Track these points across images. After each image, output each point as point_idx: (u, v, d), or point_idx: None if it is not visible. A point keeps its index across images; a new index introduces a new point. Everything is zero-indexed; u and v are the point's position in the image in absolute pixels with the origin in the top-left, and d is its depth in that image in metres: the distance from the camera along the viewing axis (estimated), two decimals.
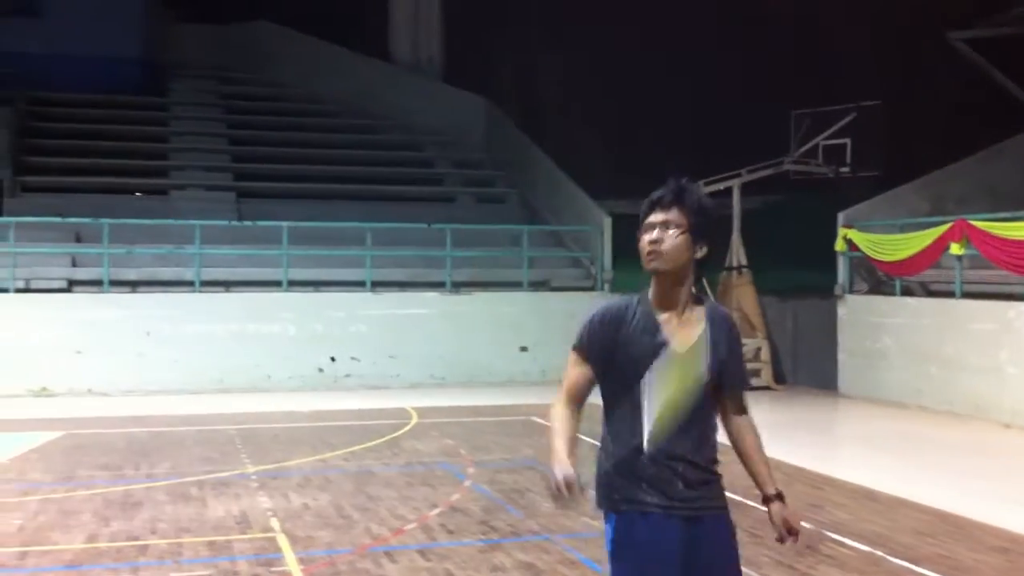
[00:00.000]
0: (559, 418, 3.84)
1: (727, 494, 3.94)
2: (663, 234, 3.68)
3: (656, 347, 3.71)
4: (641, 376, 3.71)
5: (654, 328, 3.73)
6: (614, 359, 3.76)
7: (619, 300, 3.89)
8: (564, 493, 3.59)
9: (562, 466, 3.62)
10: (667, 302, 3.76)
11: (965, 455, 12.17)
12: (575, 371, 3.88)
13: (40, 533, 8.20)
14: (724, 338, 3.78)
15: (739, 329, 3.99)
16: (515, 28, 28.62)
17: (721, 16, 26.64)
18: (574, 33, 28.67)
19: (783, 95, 21.15)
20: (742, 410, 3.94)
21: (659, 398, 3.69)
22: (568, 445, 3.75)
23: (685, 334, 3.74)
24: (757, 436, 3.94)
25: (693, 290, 3.78)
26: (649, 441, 3.72)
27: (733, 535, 3.88)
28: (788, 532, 3.88)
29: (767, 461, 3.90)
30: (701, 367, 3.73)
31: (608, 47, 28.24)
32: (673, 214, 3.68)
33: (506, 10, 28.73)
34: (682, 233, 3.67)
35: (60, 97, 24.38)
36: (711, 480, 3.81)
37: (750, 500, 9.29)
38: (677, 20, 26.76)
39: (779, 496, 3.87)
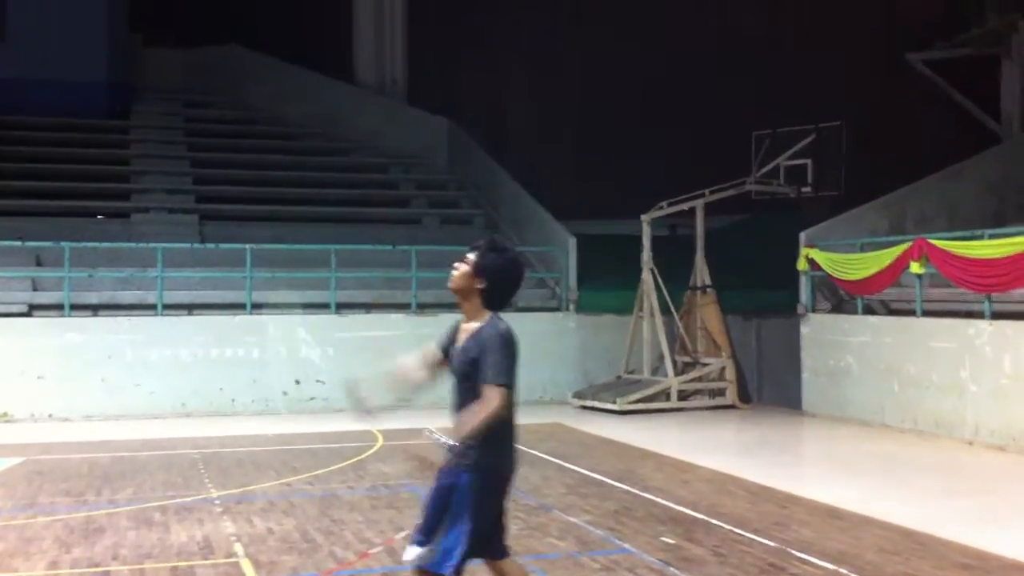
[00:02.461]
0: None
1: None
2: (458, 264, 5.34)
3: (451, 347, 5.43)
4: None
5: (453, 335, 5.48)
6: None
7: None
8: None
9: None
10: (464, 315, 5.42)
11: (929, 473, 12.26)
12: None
13: (1, 560, 8.08)
14: (477, 343, 5.22)
15: (498, 339, 5.20)
16: (479, 50, 28.69)
17: (685, 38, 26.81)
18: (538, 55, 28.79)
19: (744, 116, 21.30)
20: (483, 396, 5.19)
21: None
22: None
23: (460, 337, 5.38)
24: (479, 415, 5.13)
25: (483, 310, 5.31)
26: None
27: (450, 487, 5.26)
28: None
29: (468, 424, 5.13)
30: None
31: (573, 69, 28.37)
32: (469, 255, 5.35)
33: (470, 32, 28.81)
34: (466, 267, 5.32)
35: (21, 120, 24.19)
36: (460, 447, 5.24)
37: (714, 519, 9.39)
38: (641, 44, 26.92)
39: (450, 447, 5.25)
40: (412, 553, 5.28)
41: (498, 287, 5.31)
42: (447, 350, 5.47)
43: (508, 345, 5.18)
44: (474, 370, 5.18)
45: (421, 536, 5.29)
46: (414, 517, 9.36)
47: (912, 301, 15.61)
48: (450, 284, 5.38)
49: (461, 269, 5.34)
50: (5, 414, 16.45)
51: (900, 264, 15.47)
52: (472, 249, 5.38)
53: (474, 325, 5.31)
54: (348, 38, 28.28)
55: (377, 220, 22.99)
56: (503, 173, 23.06)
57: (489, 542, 5.39)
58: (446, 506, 5.23)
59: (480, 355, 5.17)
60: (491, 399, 5.09)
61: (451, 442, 5.18)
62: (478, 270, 5.28)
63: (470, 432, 5.09)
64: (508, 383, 5.15)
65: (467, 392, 5.22)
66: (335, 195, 23.59)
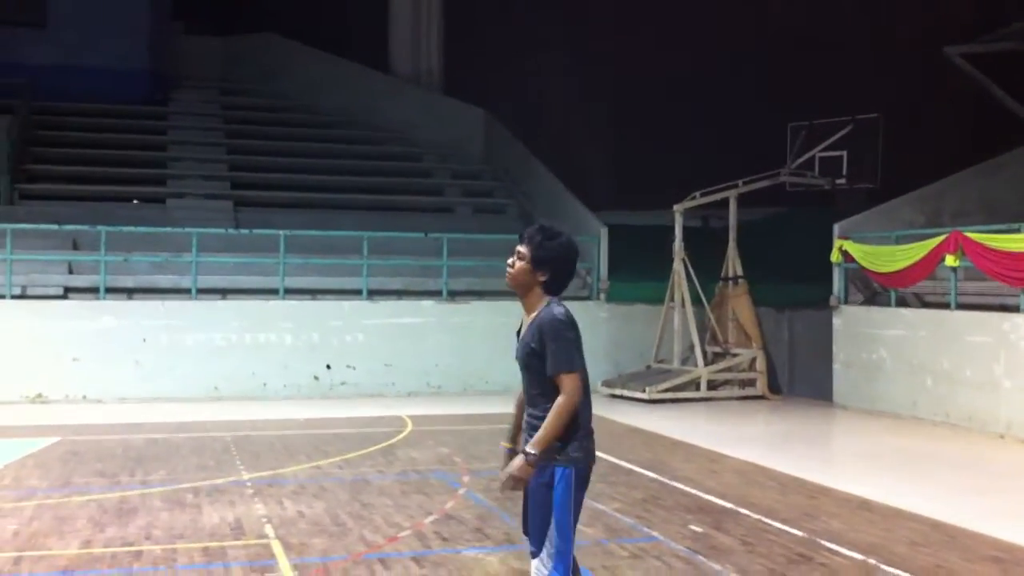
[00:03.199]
0: None
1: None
2: (512, 260, 5.15)
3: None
4: None
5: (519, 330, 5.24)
6: None
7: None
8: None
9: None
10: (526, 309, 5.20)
11: (960, 466, 12.18)
12: None
13: (35, 539, 8.20)
14: (535, 332, 5.03)
15: (556, 323, 5.00)
16: (515, 41, 28.69)
17: (720, 29, 26.71)
18: (573, 46, 28.75)
19: (780, 107, 21.20)
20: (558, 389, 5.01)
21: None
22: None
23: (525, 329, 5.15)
24: (553, 414, 4.96)
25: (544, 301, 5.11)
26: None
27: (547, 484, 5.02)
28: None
29: (547, 428, 4.94)
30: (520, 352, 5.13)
31: (607, 60, 28.32)
32: (522, 248, 5.12)
33: (506, 23, 28.81)
34: (524, 262, 5.10)
35: (60, 107, 24.41)
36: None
37: (742, 508, 9.37)
38: (677, 33, 26.84)
39: (526, 454, 4.97)
40: (539, 568, 5.04)
41: (559, 274, 5.11)
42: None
43: (569, 328, 5.00)
44: (534, 360, 5.02)
45: (535, 546, 5.07)
46: (442, 503, 9.47)
47: (946, 294, 15.50)
48: (509, 281, 5.18)
49: (518, 265, 5.11)
50: (40, 395, 16.64)
51: (935, 257, 15.36)
52: (524, 240, 5.14)
53: (534, 313, 5.13)
54: (384, 28, 28.37)
55: (410, 208, 23.06)
56: (537, 163, 23.07)
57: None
58: (548, 507, 5.01)
59: (540, 344, 5.00)
60: (565, 389, 4.93)
61: (531, 451, 4.94)
62: (538, 262, 5.07)
63: (551, 436, 4.93)
64: (575, 367, 4.96)
65: (531, 383, 5.10)
66: (368, 183, 23.68)
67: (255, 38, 28.42)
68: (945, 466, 12.22)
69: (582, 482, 5.07)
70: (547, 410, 4.96)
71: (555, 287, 5.12)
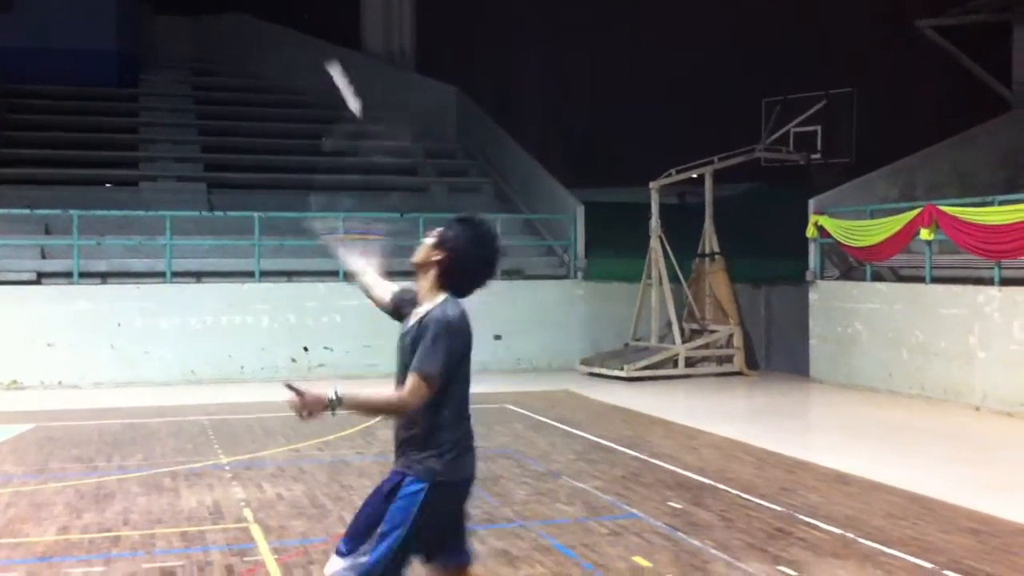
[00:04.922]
0: None
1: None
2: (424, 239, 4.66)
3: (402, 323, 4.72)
4: None
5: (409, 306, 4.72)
6: None
7: None
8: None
9: None
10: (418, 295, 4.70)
11: (936, 439, 12.26)
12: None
13: (12, 525, 8.14)
14: (417, 331, 4.49)
15: (436, 324, 4.45)
16: (488, 17, 28.55)
17: (692, 4, 26.64)
18: (547, 21, 28.64)
19: (754, 82, 21.21)
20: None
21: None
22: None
23: (408, 322, 4.63)
24: (384, 392, 4.51)
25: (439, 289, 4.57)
26: None
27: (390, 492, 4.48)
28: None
29: (368, 398, 4.50)
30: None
31: (582, 36, 28.23)
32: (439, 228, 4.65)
33: (478, 0, 28.68)
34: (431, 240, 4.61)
35: (29, 89, 24.17)
36: (405, 443, 4.54)
37: (721, 484, 9.41)
38: (649, 7, 26.77)
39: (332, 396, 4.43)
40: (334, 566, 4.46)
41: (459, 264, 4.53)
42: (398, 311, 4.80)
43: (449, 333, 4.41)
44: (411, 360, 4.44)
45: (347, 544, 4.48)
46: None
47: (921, 268, 15.58)
48: (412, 258, 4.68)
49: (427, 241, 4.65)
50: (15, 382, 16.52)
51: (910, 231, 15.44)
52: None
53: (422, 309, 4.56)
54: (356, 6, 28.18)
55: (385, 188, 22.95)
56: (511, 141, 23.00)
57: (441, 548, 4.61)
58: (378, 514, 4.44)
59: (416, 339, 4.46)
60: (407, 388, 4.39)
61: (338, 393, 4.39)
62: (440, 242, 4.56)
63: (363, 403, 4.48)
64: (431, 374, 4.36)
65: (402, 383, 4.49)
66: (343, 163, 23.53)
67: (226, 18, 28.22)
68: (922, 438, 12.30)
69: (438, 505, 4.46)
70: (410, 417, 4.47)
71: (452, 280, 4.55)
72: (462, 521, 4.71)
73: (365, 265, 5.17)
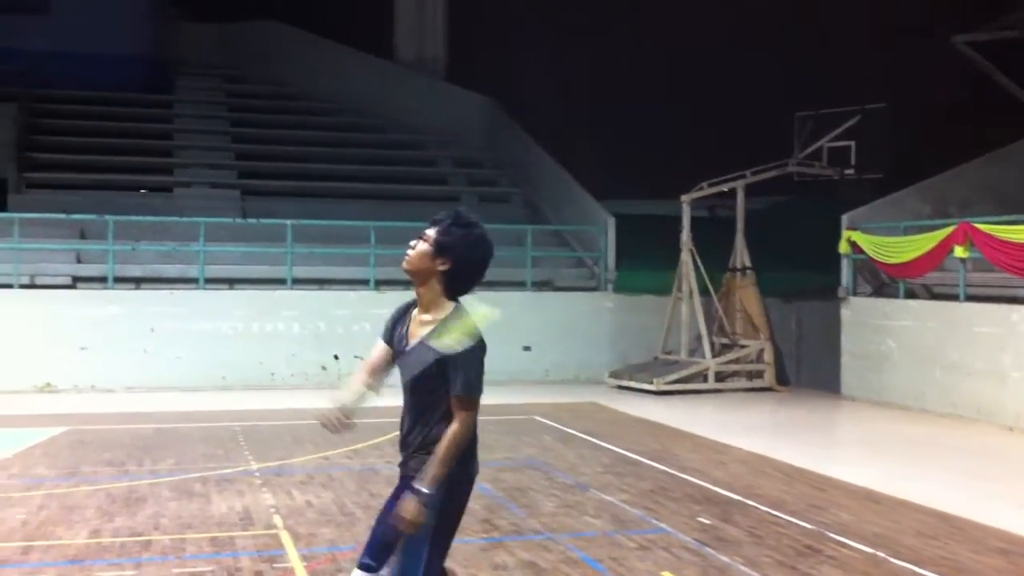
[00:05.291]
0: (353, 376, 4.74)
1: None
2: (415, 243, 4.53)
3: (398, 339, 4.62)
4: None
5: (401, 320, 4.64)
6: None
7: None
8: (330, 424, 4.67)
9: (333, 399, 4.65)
10: (420, 302, 4.59)
11: (968, 458, 12.17)
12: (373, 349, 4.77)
13: (43, 528, 8.22)
14: (432, 350, 4.41)
15: (468, 343, 4.40)
16: (519, 27, 28.61)
17: (725, 17, 26.63)
18: (579, 32, 28.67)
19: (787, 97, 21.15)
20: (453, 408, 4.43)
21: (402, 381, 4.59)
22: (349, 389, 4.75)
23: (414, 331, 4.55)
24: (449, 433, 4.41)
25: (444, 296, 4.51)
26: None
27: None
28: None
29: (440, 463, 4.38)
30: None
31: (613, 47, 28.24)
32: (428, 231, 4.51)
33: (511, 9, 28.73)
34: (426, 245, 4.48)
35: (65, 95, 24.42)
36: (417, 451, 4.53)
37: (750, 500, 9.37)
38: (681, 21, 26.76)
39: (418, 494, 4.36)
40: None
41: (463, 269, 4.47)
42: (393, 340, 4.66)
43: (479, 346, 4.41)
44: (432, 378, 4.43)
45: (369, 558, 4.53)
46: None
47: (955, 285, 15.47)
48: (405, 265, 4.53)
49: (419, 248, 4.49)
50: (48, 385, 16.68)
51: (943, 248, 15.33)
52: (432, 224, 4.54)
53: (431, 317, 4.50)
54: (389, 14, 28.30)
55: (415, 197, 23.03)
56: (542, 152, 23.03)
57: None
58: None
59: (441, 362, 4.40)
60: (461, 418, 4.38)
61: (424, 491, 4.34)
62: (440, 248, 4.43)
63: (444, 471, 4.37)
64: (479, 393, 4.43)
65: (421, 403, 4.49)
66: (374, 172, 23.66)
67: (257, 25, 28.33)
68: (953, 458, 12.21)
69: (456, 501, 4.51)
70: (430, 432, 4.46)
71: (457, 285, 4.49)
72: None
73: (358, 387, 4.85)
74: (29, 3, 25.45)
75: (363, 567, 4.51)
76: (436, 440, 4.41)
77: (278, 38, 27.97)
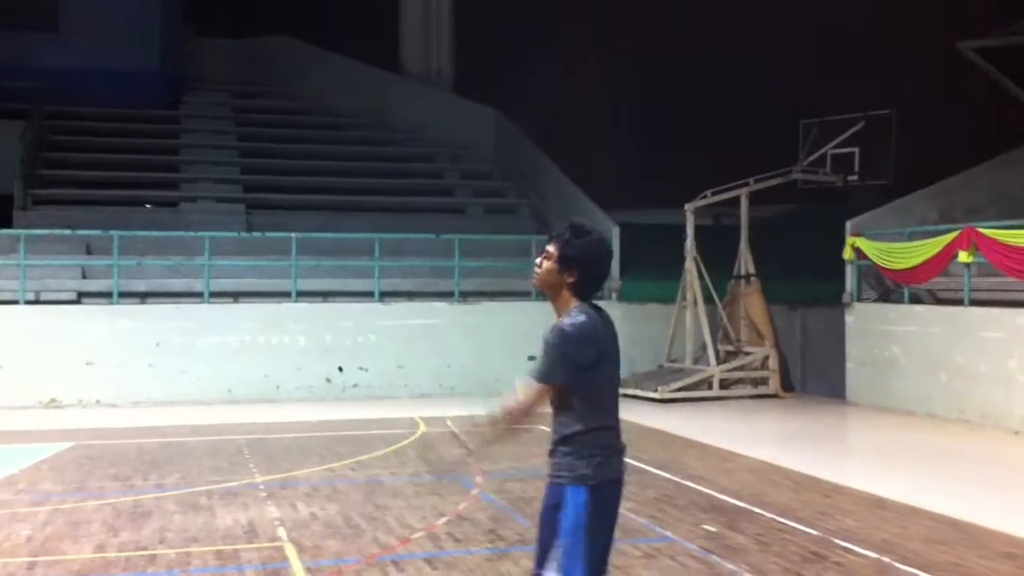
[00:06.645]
0: None
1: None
2: (540, 260, 4.78)
3: None
4: None
5: None
6: None
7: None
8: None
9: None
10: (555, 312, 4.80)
11: (975, 463, 12.13)
12: None
13: (49, 543, 8.22)
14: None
15: (555, 332, 4.63)
16: (525, 39, 28.66)
17: (729, 26, 26.64)
18: (583, 44, 28.71)
19: (791, 104, 21.15)
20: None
21: None
22: None
23: None
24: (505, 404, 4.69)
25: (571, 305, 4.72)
26: None
27: (554, 506, 4.65)
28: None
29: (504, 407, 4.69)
30: None
31: (617, 58, 28.28)
32: (550, 247, 4.76)
33: (517, 22, 28.79)
34: (551, 262, 4.73)
35: (72, 111, 24.48)
36: (552, 453, 4.74)
37: (756, 507, 9.34)
38: (686, 31, 26.79)
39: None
40: None
41: (589, 275, 4.71)
42: None
43: (570, 341, 4.56)
44: None
45: (537, 568, 4.69)
46: (455, 504, 9.46)
47: (960, 290, 15.44)
48: (535, 282, 4.82)
49: (545, 265, 4.74)
50: (54, 400, 16.70)
51: (948, 253, 15.31)
52: (552, 239, 4.78)
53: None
54: (395, 29, 28.37)
55: (422, 209, 23.06)
56: (548, 163, 23.05)
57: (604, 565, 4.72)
58: (553, 529, 4.61)
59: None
60: (522, 393, 4.62)
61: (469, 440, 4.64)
62: (566, 263, 4.68)
63: (496, 417, 4.69)
64: (544, 379, 4.58)
65: (553, 404, 4.73)
66: (380, 185, 23.69)
67: (266, 40, 28.47)
68: (960, 463, 12.17)
69: (600, 503, 4.63)
70: (558, 432, 4.71)
71: (585, 289, 4.72)
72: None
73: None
74: (39, 21, 25.53)
75: None
76: (562, 440, 4.67)
77: (287, 53, 28.06)
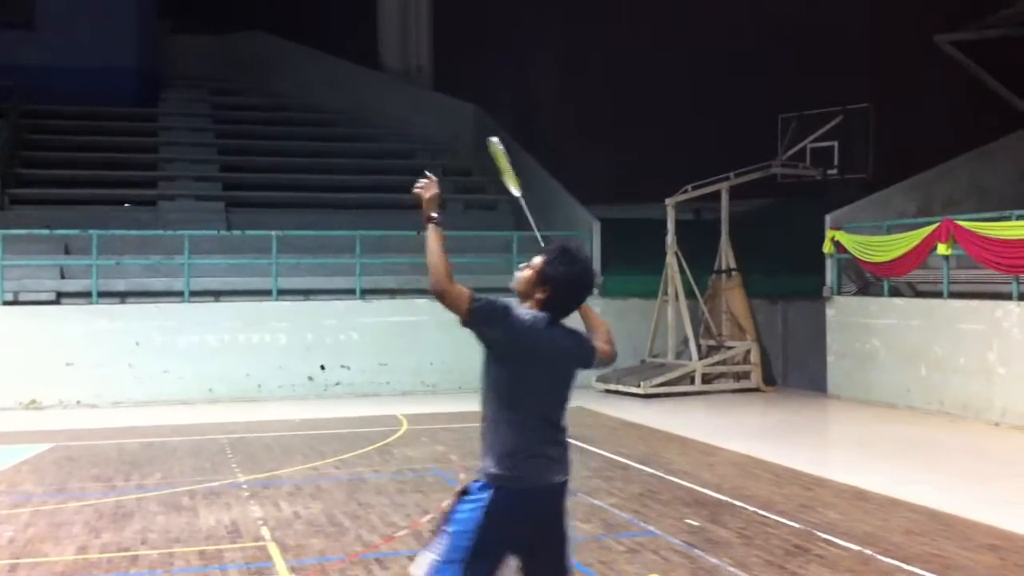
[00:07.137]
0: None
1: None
2: (524, 267, 4.90)
3: None
4: None
5: None
6: None
7: None
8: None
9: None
10: None
11: (955, 455, 12.20)
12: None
13: (31, 545, 8.18)
14: None
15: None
16: (504, 35, 28.67)
17: (710, 22, 26.70)
18: (564, 39, 28.74)
19: (770, 99, 21.21)
20: None
21: None
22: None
23: None
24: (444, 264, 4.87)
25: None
26: None
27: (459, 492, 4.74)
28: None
29: (437, 248, 4.97)
30: None
31: (597, 53, 28.30)
32: (537, 258, 4.86)
33: (495, 18, 28.79)
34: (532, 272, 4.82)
35: (49, 109, 24.33)
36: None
37: (738, 501, 9.38)
38: (667, 27, 26.84)
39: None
40: (418, 565, 4.66)
41: (560, 299, 4.78)
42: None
43: (505, 304, 4.63)
44: (484, 367, 4.84)
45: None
46: (439, 501, 9.45)
47: (939, 283, 15.52)
48: (512, 284, 4.93)
49: (526, 274, 4.86)
50: (34, 401, 16.61)
51: (927, 246, 15.39)
52: (541, 252, 4.88)
53: None
54: (374, 25, 28.32)
55: (402, 206, 22.99)
56: (528, 158, 23.01)
57: (532, 563, 4.67)
58: (449, 514, 4.65)
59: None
60: (455, 288, 4.72)
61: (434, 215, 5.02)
62: (543, 279, 4.77)
63: (434, 239, 4.94)
64: (473, 306, 4.63)
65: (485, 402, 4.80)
66: (360, 181, 23.64)
67: (244, 36, 28.36)
68: (941, 455, 12.25)
69: (505, 511, 4.53)
70: (487, 421, 4.79)
71: (553, 310, 4.77)
72: (551, 534, 4.70)
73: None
74: (14, 18, 25.36)
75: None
76: (485, 437, 4.80)
77: (266, 49, 27.96)
